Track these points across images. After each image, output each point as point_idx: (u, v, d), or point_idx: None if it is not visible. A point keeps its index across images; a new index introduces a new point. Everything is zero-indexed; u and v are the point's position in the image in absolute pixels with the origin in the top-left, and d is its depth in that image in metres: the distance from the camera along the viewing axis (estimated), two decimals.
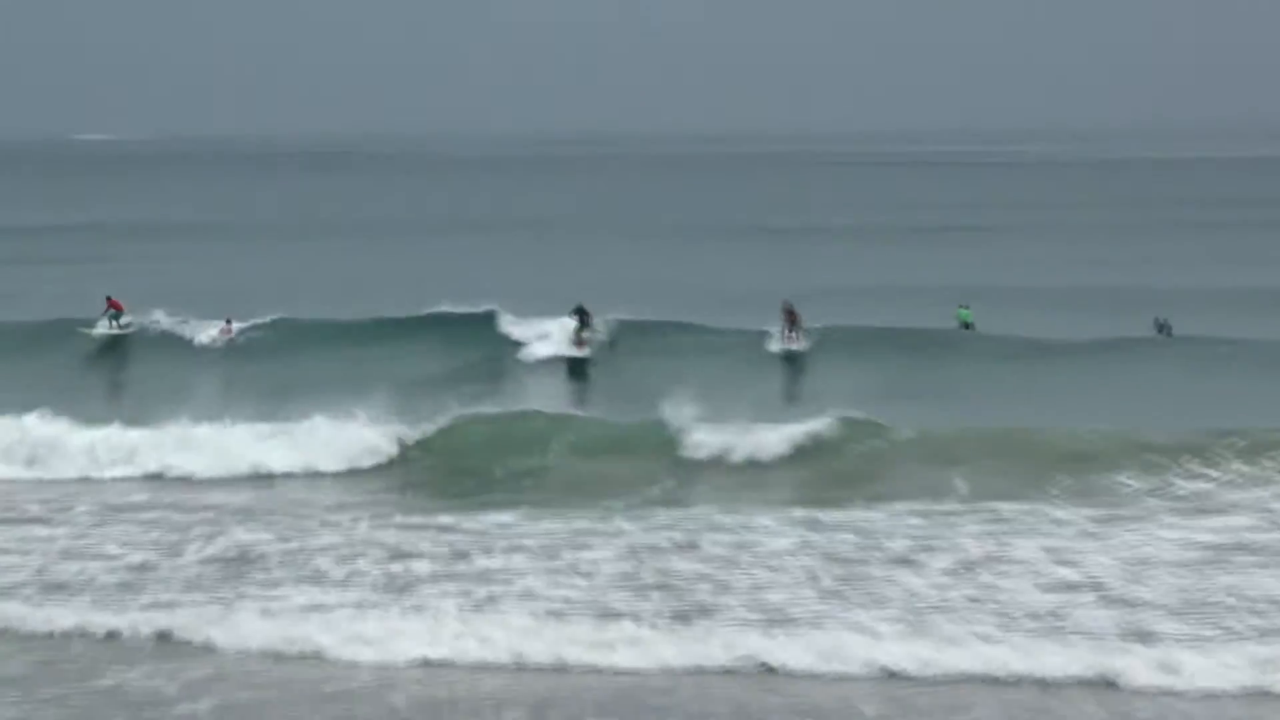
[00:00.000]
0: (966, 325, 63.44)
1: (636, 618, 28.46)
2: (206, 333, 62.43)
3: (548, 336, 58.38)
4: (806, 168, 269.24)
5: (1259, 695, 25.37)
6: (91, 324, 63.37)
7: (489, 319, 59.86)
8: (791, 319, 58.56)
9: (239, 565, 32.38)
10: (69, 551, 33.80)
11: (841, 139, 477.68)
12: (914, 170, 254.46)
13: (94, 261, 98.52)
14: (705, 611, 28.89)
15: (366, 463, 41.69)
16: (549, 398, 50.11)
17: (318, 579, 31.22)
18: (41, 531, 35.68)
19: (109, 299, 64.31)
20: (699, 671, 26.66)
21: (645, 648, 27.38)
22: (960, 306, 64.90)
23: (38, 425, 43.59)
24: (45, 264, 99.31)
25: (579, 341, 58.22)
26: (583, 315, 58.81)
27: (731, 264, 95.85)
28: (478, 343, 58.48)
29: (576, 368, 57.49)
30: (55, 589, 31.17)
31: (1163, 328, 61.72)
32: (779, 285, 71.67)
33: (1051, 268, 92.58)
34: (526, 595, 29.91)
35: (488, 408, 44.35)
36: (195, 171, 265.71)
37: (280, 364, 56.67)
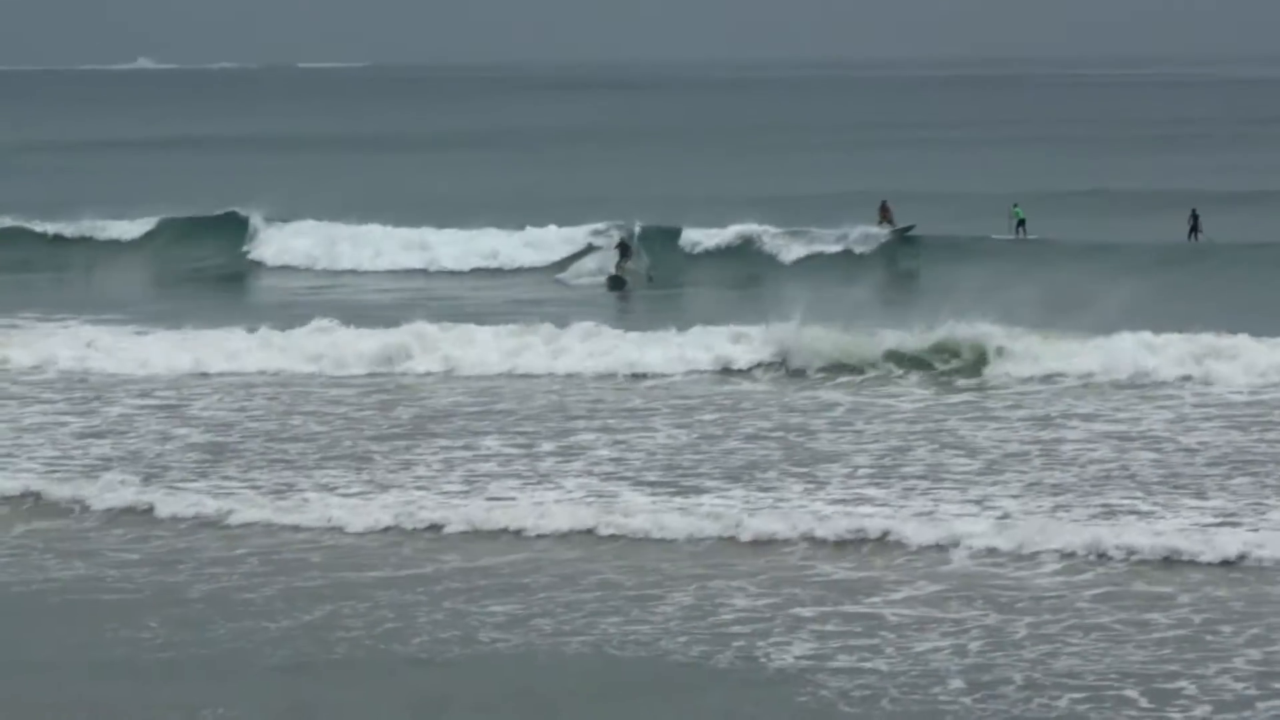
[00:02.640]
0: (1021, 222, 69.19)
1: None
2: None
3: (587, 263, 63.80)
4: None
5: None
6: None
7: None
8: (886, 214, 67.52)
9: None
10: None
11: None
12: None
13: None
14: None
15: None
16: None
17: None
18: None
19: None
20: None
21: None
22: (1014, 205, 70.16)
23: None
24: None
25: (620, 271, 61.88)
26: (625, 249, 62.51)
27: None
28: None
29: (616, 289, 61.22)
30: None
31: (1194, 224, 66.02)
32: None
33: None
34: None
35: None
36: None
37: None
